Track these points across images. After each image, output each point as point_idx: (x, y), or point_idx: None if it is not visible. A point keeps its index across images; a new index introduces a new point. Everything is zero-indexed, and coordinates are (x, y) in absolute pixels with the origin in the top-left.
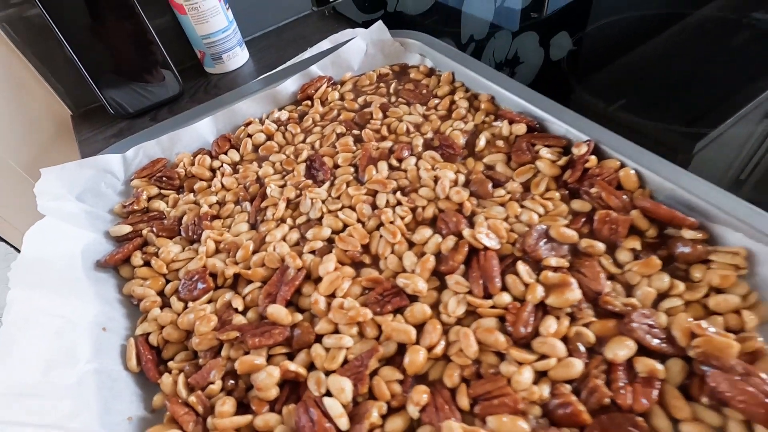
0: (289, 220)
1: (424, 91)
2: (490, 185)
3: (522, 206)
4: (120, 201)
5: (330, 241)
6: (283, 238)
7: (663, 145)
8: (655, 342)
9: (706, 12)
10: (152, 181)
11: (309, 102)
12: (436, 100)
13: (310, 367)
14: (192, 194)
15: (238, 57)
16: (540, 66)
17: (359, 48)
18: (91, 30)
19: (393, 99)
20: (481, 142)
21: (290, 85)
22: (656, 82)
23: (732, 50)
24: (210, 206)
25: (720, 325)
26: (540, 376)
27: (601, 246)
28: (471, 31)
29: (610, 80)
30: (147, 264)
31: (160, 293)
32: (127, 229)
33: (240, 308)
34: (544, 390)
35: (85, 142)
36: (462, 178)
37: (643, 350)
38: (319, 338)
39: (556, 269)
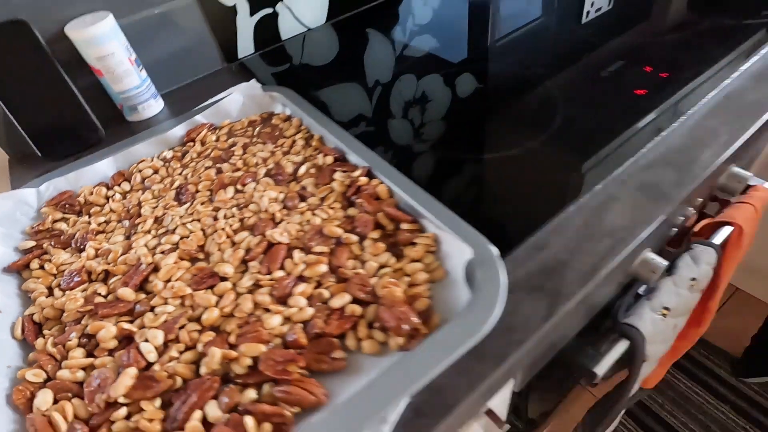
0: (153, 231)
1: (277, 133)
2: (297, 200)
3: (314, 214)
4: (31, 224)
5: (178, 245)
6: (145, 245)
7: (556, 165)
8: (362, 295)
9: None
10: (58, 208)
11: (192, 143)
12: (283, 140)
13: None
14: (88, 216)
15: (152, 107)
16: (450, 102)
17: (237, 100)
18: (23, 92)
19: (255, 140)
20: (302, 169)
21: (179, 130)
22: (547, 118)
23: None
24: (98, 224)
25: (405, 282)
26: (288, 321)
27: (354, 237)
28: (376, 77)
29: (513, 115)
30: (42, 268)
31: (49, 288)
32: (31, 243)
33: (103, 293)
34: (285, 328)
35: (17, 181)
36: (282, 197)
37: (357, 301)
38: (154, 309)
39: (319, 254)
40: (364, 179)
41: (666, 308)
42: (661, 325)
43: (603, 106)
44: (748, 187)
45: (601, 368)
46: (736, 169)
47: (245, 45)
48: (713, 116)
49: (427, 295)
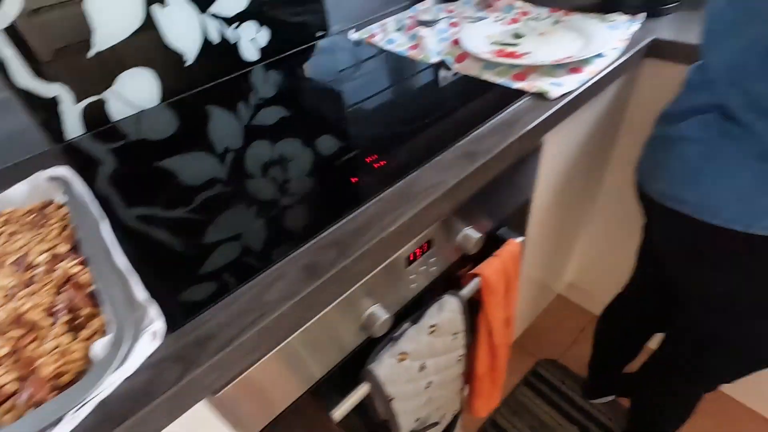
0: None
1: (43, 221)
2: (22, 287)
3: (28, 300)
4: None
5: None
6: None
7: (259, 245)
8: (25, 373)
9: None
10: None
11: None
12: (44, 228)
13: None
14: None
15: None
16: (313, 161)
17: (22, 189)
18: None
19: (22, 227)
20: (40, 258)
21: None
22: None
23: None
24: None
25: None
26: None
27: (48, 321)
28: (225, 144)
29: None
30: None
31: None
32: None
33: None
34: None
35: None
36: (12, 283)
37: (22, 378)
38: None
39: (9, 338)
40: (76, 268)
41: (403, 353)
42: (398, 368)
43: (324, 188)
44: (504, 241)
45: (339, 411)
46: (469, 231)
47: (73, 128)
48: (390, 201)
49: (80, 370)
